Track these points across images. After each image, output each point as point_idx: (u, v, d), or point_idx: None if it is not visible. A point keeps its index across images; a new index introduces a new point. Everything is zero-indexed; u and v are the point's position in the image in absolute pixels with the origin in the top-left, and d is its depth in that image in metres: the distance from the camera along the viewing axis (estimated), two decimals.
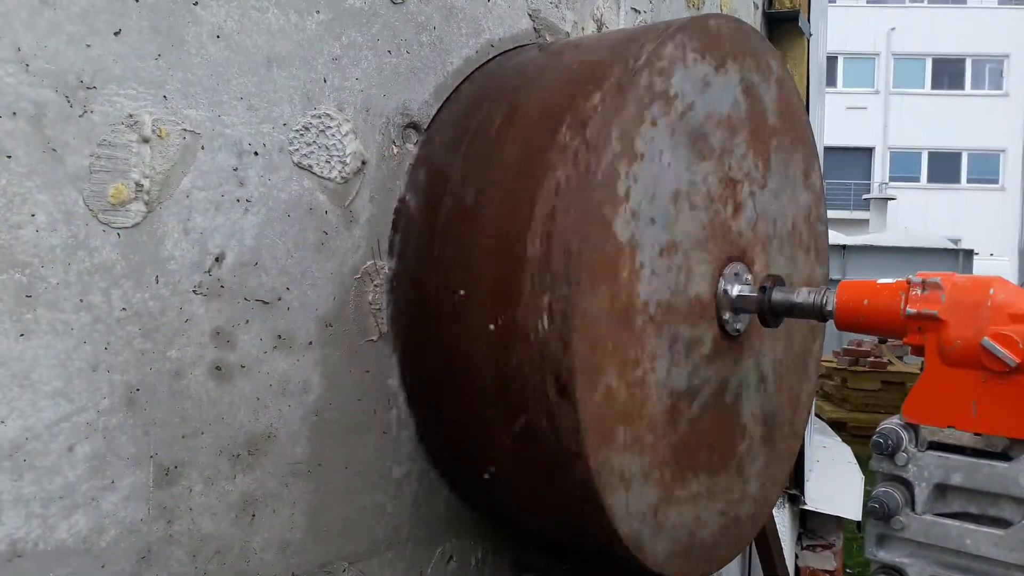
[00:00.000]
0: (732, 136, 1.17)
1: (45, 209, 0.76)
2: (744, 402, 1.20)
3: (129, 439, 0.82)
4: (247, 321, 0.92)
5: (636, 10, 1.63)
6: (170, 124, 0.84)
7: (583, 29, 1.44)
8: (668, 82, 1.03)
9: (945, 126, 26.00)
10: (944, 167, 26.38)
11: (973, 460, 1.01)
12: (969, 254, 13.44)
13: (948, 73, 26.59)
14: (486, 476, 1.07)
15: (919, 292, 1.02)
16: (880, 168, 26.54)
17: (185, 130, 0.86)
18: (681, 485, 1.07)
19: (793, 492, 4.02)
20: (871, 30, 26.20)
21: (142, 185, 0.82)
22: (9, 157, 0.73)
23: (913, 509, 1.05)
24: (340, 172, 1.02)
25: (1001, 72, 26.26)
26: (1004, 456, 1.00)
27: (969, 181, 26.37)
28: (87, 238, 0.78)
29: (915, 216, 23.78)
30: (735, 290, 1.14)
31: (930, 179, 26.50)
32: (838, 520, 4.30)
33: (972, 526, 1.01)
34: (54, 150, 0.76)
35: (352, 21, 1.02)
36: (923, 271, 1.05)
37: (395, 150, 1.10)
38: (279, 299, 0.96)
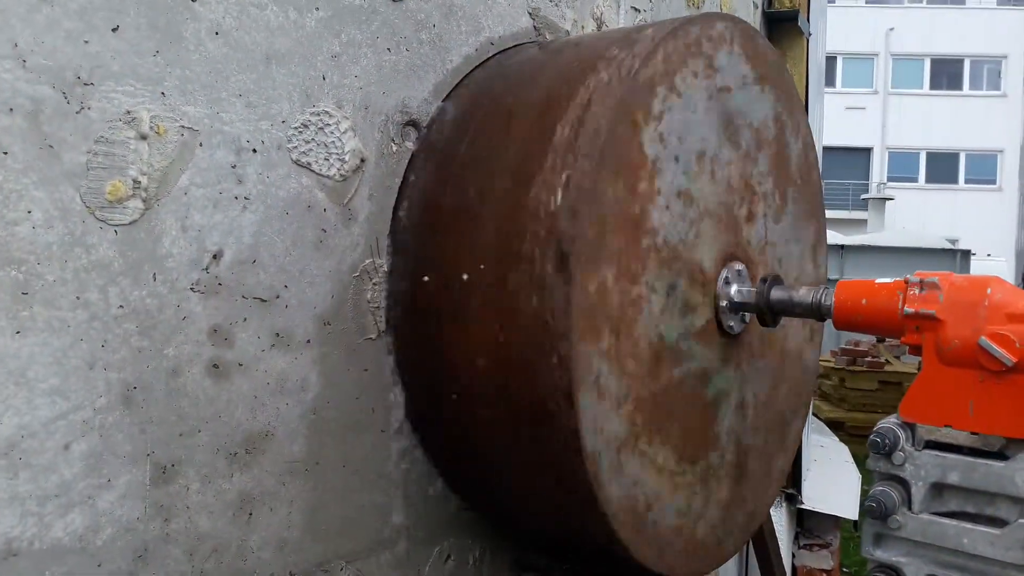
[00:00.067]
0: (758, 148, 1.21)
1: (42, 206, 0.75)
2: (723, 410, 1.16)
3: (126, 437, 0.82)
4: (245, 319, 0.92)
5: (636, 9, 1.63)
6: (168, 121, 0.84)
7: (583, 28, 1.43)
8: (714, 51, 1.09)
9: (943, 126, 26.06)
10: (942, 167, 26.44)
11: (970, 459, 1.01)
12: (966, 254, 13.46)
13: (946, 73, 26.64)
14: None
15: (917, 292, 1.02)
16: (878, 168, 26.59)
17: (183, 127, 0.85)
18: (647, 441, 1.02)
19: (790, 491, 4.03)
20: (870, 30, 26.23)
21: (140, 182, 0.82)
22: (5, 153, 0.73)
23: (910, 508, 1.05)
24: (339, 170, 1.02)
25: (999, 73, 26.32)
26: (1001, 455, 1.00)
27: (967, 182, 26.43)
28: (84, 235, 0.78)
29: (913, 216, 23.83)
30: (734, 288, 1.14)
31: (928, 179, 26.56)
32: (835, 519, 4.31)
33: (969, 525, 1.01)
34: (51, 146, 0.76)
35: (351, 18, 1.02)
36: (921, 271, 1.05)
37: (394, 148, 1.09)
38: (277, 297, 0.96)
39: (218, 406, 0.90)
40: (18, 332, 0.74)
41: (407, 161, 1.11)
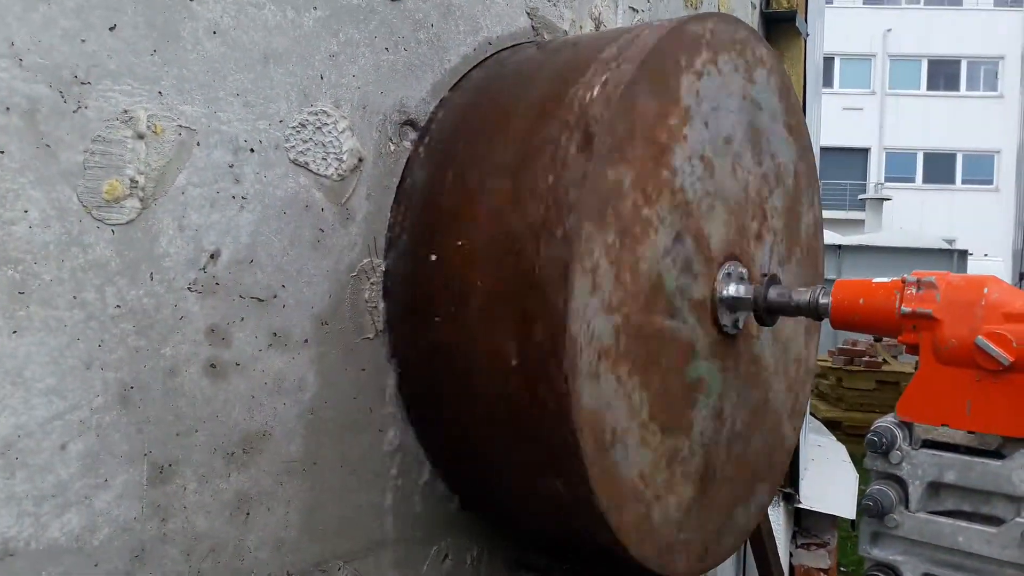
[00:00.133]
0: (777, 181, 1.27)
1: (38, 205, 0.75)
2: (700, 404, 1.13)
3: (123, 437, 0.82)
4: (242, 319, 0.92)
5: (634, 9, 1.63)
6: (165, 120, 0.84)
7: (581, 27, 1.44)
8: (754, 66, 1.18)
9: (940, 127, 26.13)
10: (939, 168, 26.51)
11: (966, 458, 1.02)
12: (963, 254, 13.50)
13: (944, 74, 26.72)
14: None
15: (914, 291, 1.02)
16: (876, 168, 26.65)
17: (180, 126, 0.85)
18: (627, 371, 0.99)
19: (788, 491, 4.04)
20: (867, 31, 26.29)
21: (137, 181, 0.82)
22: (2, 153, 0.73)
23: (907, 507, 1.05)
24: (336, 169, 1.02)
25: (996, 74, 26.39)
26: (997, 454, 1.01)
27: (964, 182, 26.51)
28: (81, 235, 0.78)
29: (910, 216, 23.88)
30: (732, 286, 1.15)
31: (925, 180, 26.63)
32: (832, 518, 4.32)
33: (965, 524, 1.01)
34: (48, 146, 0.75)
35: (349, 18, 1.02)
36: (918, 271, 1.06)
37: (392, 147, 1.09)
38: (274, 297, 0.95)
39: (215, 406, 0.90)
40: (15, 332, 0.74)
41: (405, 161, 1.11)
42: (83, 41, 0.77)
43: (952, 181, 26.50)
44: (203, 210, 0.88)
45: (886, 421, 1.08)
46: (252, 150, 0.92)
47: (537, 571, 1.33)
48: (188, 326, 0.87)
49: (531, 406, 0.95)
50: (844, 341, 10.31)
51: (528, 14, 1.30)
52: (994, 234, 24.39)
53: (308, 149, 0.98)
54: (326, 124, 1.00)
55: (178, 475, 0.87)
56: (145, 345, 0.83)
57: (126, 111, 0.80)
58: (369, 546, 1.09)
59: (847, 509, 4.25)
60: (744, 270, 1.17)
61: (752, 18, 2.93)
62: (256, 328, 0.93)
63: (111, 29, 0.79)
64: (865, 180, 26.22)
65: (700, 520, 1.14)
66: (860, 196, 23.08)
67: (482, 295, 0.98)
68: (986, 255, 19.71)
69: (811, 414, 6.18)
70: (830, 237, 13.11)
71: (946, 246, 14.08)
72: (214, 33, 0.87)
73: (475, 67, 1.19)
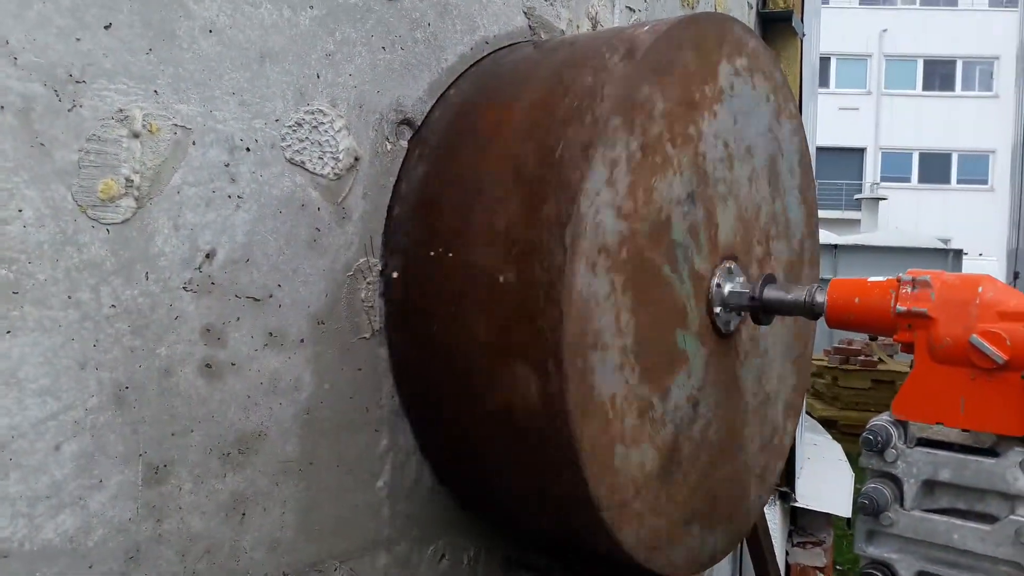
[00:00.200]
0: (784, 231, 1.32)
1: (32, 205, 0.75)
2: (678, 382, 1.10)
3: (117, 437, 0.82)
4: (238, 318, 0.92)
5: (631, 8, 1.63)
6: (161, 119, 0.83)
7: (578, 27, 1.44)
8: (785, 97, 1.28)
9: (936, 127, 26.23)
10: (934, 168, 26.61)
11: (961, 456, 1.02)
12: (958, 254, 13.56)
13: (939, 74, 26.82)
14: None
15: (909, 290, 1.03)
16: (871, 168, 26.74)
17: (176, 125, 0.85)
18: (624, 296, 0.99)
19: (784, 489, 4.05)
20: (863, 31, 26.37)
21: (132, 181, 0.81)
22: None
23: (902, 505, 1.06)
24: (333, 168, 1.02)
25: (991, 74, 26.50)
26: (991, 452, 1.01)
27: (959, 182, 26.62)
28: (75, 234, 0.78)
29: (906, 216, 23.98)
30: (729, 286, 1.15)
31: (921, 179, 26.73)
32: (828, 517, 4.33)
33: (959, 522, 1.02)
34: (42, 145, 0.75)
35: (346, 17, 1.02)
36: (913, 270, 1.06)
37: (388, 147, 1.09)
38: (270, 296, 0.95)
39: (211, 406, 0.90)
40: (8, 332, 0.73)
41: (401, 160, 1.11)
42: (78, 40, 0.77)
43: (947, 181, 26.61)
44: (199, 209, 0.87)
45: (881, 420, 1.08)
46: (248, 149, 0.92)
47: (536, 571, 1.33)
48: (183, 326, 0.87)
49: (526, 287, 0.93)
50: (840, 340, 10.34)
51: (525, 13, 1.30)
52: (989, 234, 24.49)
53: (304, 148, 0.98)
54: (322, 123, 1.00)
55: (173, 475, 0.86)
56: (140, 345, 0.83)
57: (121, 110, 0.80)
58: (365, 546, 1.09)
59: (843, 507, 4.26)
60: (743, 278, 1.18)
61: (748, 18, 2.94)
62: (252, 328, 0.93)
63: (106, 28, 0.79)
64: (861, 180, 26.30)
65: (658, 500, 1.08)
66: (856, 196, 23.15)
67: (486, 231, 0.98)
68: (981, 255, 19.81)
69: (807, 413, 6.20)
70: (826, 237, 13.14)
71: (941, 246, 14.14)
72: (210, 32, 0.87)
73: (472, 66, 1.19)
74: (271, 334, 0.95)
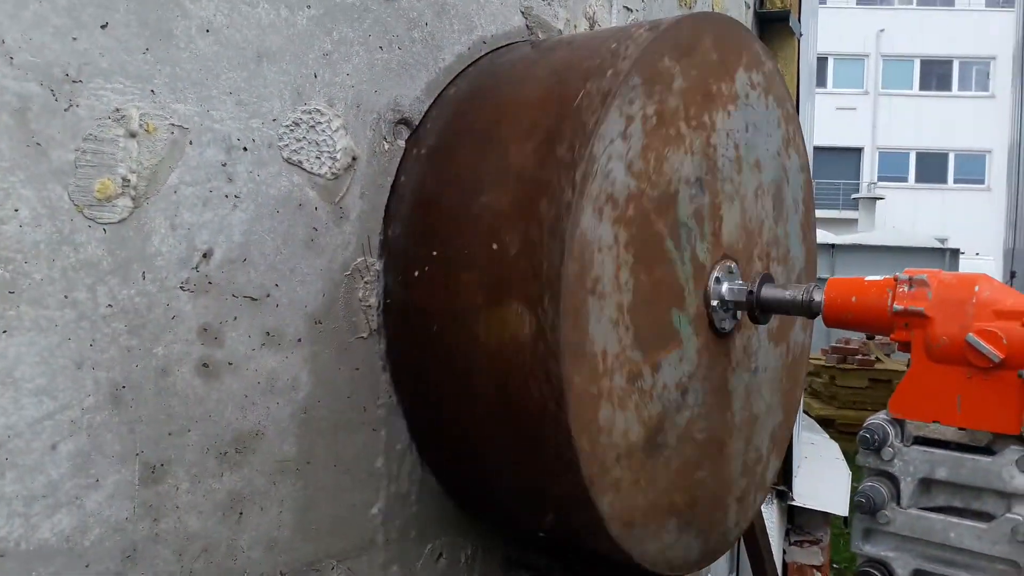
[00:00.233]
0: (784, 257, 1.32)
1: (29, 204, 0.74)
2: (672, 358, 1.09)
3: (114, 437, 0.81)
4: (235, 318, 0.92)
5: (628, 8, 1.63)
6: (158, 119, 0.83)
7: (575, 27, 1.44)
8: (795, 133, 1.30)
9: (933, 127, 26.30)
10: (932, 167, 26.69)
11: (957, 455, 1.02)
12: (955, 253, 13.60)
13: (936, 74, 26.89)
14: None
15: (906, 289, 1.03)
16: (869, 168, 26.80)
17: (173, 125, 0.85)
18: (625, 250, 0.98)
19: (781, 488, 4.06)
20: (861, 31, 26.43)
21: (129, 180, 0.81)
22: None
23: (899, 503, 1.06)
24: (330, 168, 1.01)
25: (988, 74, 26.58)
26: (987, 451, 1.02)
27: (956, 181, 26.70)
28: (72, 234, 0.77)
29: (903, 216, 24.05)
30: (725, 285, 1.15)
31: (918, 179, 26.81)
32: (825, 515, 4.34)
33: (956, 520, 1.02)
34: (39, 144, 0.75)
35: (343, 16, 1.02)
36: (910, 269, 1.06)
37: (386, 146, 1.09)
38: (268, 296, 0.95)
39: (208, 405, 0.89)
40: (4, 331, 0.73)
41: (399, 159, 1.11)
42: (74, 39, 0.77)
43: (944, 180, 26.69)
44: (196, 209, 0.87)
45: (878, 418, 1.09)
46: (245, 149, 0.92)
47: (535, 570, 1.33)
48: (180, 325, 0.86)
49: (529, 224, 0.92)
50: (837, 339, 10.36)
51: (523, 13, 1.30)
52: (986, 233, 24.57)
53: (302, 148, 0.98)
54: (320, 123, 1.00)
55: (170, 475, 0.86)
56: (137, 344, 0.83)
57: (118, 109, 0.80)
58: (363, 545, 1.09)
59: (840, 506, 4.27)
60: (736, 267, 1.18)
61: (746, 18, 2.94)
62: (249, 327, 0.93)
63: (103, 27, 0.79)
64: (858, 179, 26.37)
65: (639, 476, 1.05)
66: (853, 195, 23.20)
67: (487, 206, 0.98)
68: (978, 254, 19.86)
69: (804, 412, 6.21)
70: (823, 236, 13.17)
71: (938, 245, 14.18)
72: (207, 31, 0.87)
73: (470, 66, 1.19)
74: (268, 334, 0.95)
